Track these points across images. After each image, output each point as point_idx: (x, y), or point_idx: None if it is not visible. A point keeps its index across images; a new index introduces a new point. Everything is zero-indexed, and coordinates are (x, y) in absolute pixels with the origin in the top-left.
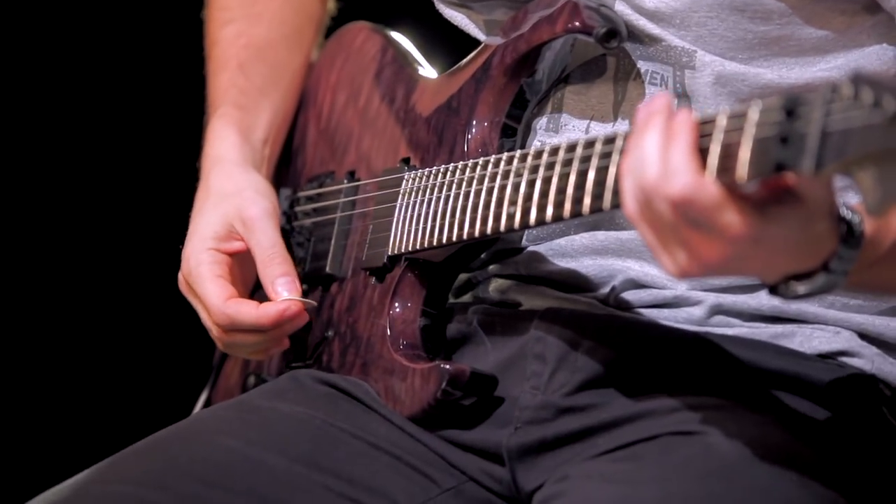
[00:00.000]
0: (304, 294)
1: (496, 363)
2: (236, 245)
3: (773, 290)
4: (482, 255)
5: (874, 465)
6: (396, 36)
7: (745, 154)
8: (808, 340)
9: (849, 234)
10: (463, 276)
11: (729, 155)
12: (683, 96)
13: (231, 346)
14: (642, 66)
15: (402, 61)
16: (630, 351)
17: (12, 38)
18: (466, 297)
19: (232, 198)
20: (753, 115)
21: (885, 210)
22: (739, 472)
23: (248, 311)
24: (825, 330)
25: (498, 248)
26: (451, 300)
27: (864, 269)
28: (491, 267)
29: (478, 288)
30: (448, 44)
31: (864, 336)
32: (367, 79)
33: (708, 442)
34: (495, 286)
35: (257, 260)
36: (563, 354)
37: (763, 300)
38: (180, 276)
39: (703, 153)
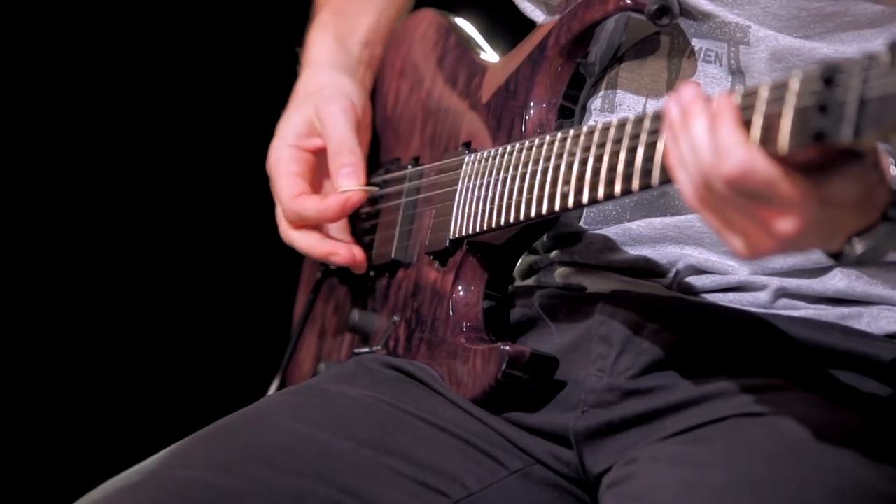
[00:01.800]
0: (372, 282)
1: (561, 346)
2: (316, 142)
3: (837, 256)
4: (543, 239)
5: None
6: (460, 21)
7: (785, 124)
8: (876, 321)
9: None
10: (527, 259)
11: (770, 126)
12: (738, 72)
13: (293, 245)
14: (696, 43)
15: (465, 46)
16: (696, 333)
17: (12, 38)
18: (531, 281)
19: (313, 96)
20: (794, 84)
21: None
22: (807, 452)
23: (313, 204)
24: (892, 310)
25: (556, 232)
26: (516, 283)
27: None
28: (552, 254)
29: (541, 273)
30: (512, 27)
31: None
32: (431, 65)
33: (775, 423)
34: (559, 272)
35: (328, 154)
36: (628, 337)
37: (828, 283)
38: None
39: (746, 125)
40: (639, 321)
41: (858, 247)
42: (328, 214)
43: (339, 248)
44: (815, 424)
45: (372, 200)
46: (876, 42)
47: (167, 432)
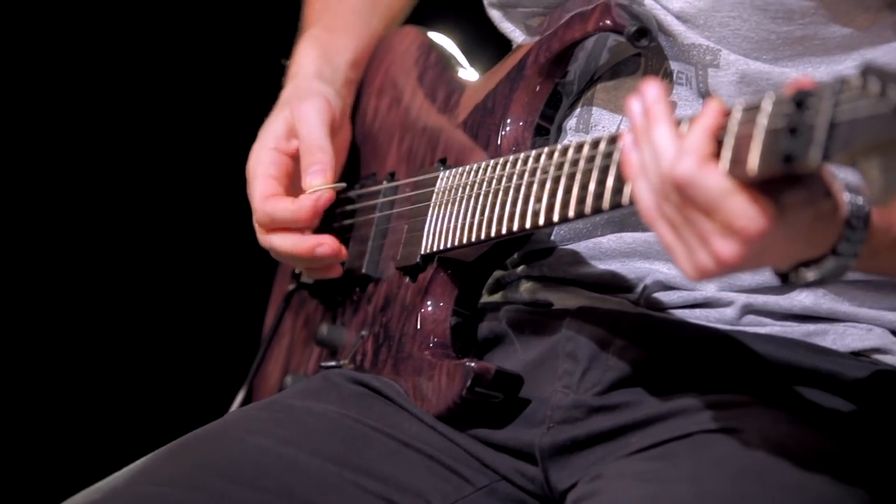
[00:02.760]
0: (342, 296)
1: (527, 362)
2: (295, 144)
3: (784, 278)
4: (514, 255)
5: None
6: (440, 38)
7: (756, 145)
8: (841, 338)
9: (855, 218)
10: (495, 274)
11: (741, 146)
12: (707, 95)
13: (273, 249)
14: (668, 65)
15: (445, 64)
16: (662, 349)
17: (12, 38)
18: (497, 297)
19: (292, 100)
20: (766, 106)
21: (890, 199)
22: (772, 469)
23: (285, 206)
24: (858, 327)
25: (526, 249)
26: (483, 299)
27: (875, 255)
28: (519, 269)
29: (507, 288)
30: (493, 45)
31: None
32: (410, 81)
33: (741, 440)
34: (525, 287)
35: (300, 152)
36: (594, 353)
37: (794, 300)
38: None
39: (718, 144)
40: (605, 337)
41: (808, 275)
42: (301, 215)
43: (324, 238)
44: (781, 441)
45: (346, 215)
46: (844, 65)
47: (131, 445)
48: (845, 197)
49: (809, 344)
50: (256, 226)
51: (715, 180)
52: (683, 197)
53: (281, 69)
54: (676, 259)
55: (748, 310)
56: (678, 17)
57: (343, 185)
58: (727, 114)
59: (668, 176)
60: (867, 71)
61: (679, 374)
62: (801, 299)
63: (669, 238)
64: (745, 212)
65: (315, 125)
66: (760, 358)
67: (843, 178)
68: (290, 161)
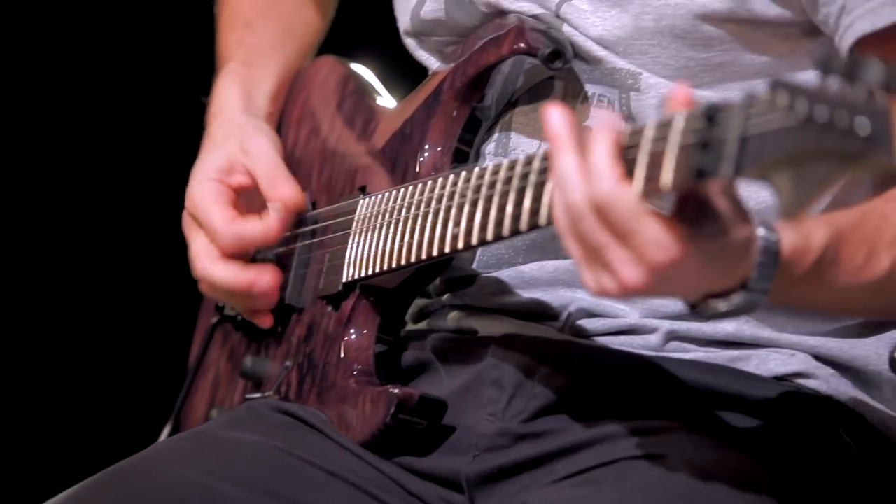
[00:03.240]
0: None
1: (452, 390)
2: (239, 178)
3: (693, 309)
4: (435, 282)
5: (830, 485)
6: (358, 67)
7: (669, 161)
8: (764, 363)
9: (766, 252)
10: (419, 303)
11: (655, 163)
12: (630, 118)
13: (220, 276)
14: (589, 88)
15: (363, 92)
16: (587, 376)
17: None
18: (422, 325)
19: (233, 135)
20: (678, 123)
21: (800, 211)
22: (697, 495)
23: (254, 225)
24: (780, 353)
25: (449, 276)
26: (408, 327)
27: (787, 289)
28: (444, 297)
29: (433, 317)
30: (410, 73)
31: (818, 358)
32: (329, 111)
33: (666, 465)
34: (450, 315)
35: (261, 181)
36: (520, 381)
37: (718, 327)
38: (184, 214)
39: (631, 163)
40: (531, 364)
41: (719, 306)
42: (272, 233)
43: (264, 272)
44: (704, 467)
45: (269, 246)
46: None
47: (55, 478)
48: (759, 231)
49: (733, 369)
50: (201, 256)
51: (632, 201)
52: (598, 216)
53: (201, 107)
54: (582, 274)
55: (672, 336)
56: (598, 42)
57: (309, 208)
58: (636, 133)
59: (583, 195)
60: (776, 85)
61: (604, 401)
62: (724, 326)
63: (577, 255)
64: (656, 238)
65: (273, 155)
66: (684, 384)
67: (758, 212)
68: (233, 194)
